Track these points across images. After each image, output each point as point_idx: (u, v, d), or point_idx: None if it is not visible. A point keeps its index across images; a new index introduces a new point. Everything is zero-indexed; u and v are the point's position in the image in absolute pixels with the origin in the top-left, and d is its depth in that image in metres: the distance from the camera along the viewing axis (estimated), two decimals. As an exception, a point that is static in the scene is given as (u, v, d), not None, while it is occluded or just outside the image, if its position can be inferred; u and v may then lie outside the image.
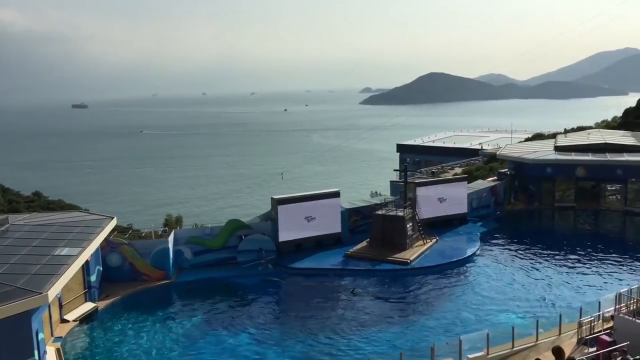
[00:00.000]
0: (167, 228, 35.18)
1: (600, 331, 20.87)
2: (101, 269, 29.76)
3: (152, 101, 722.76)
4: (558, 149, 50.43)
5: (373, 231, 36.38)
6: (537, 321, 21.49)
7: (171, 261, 31.65)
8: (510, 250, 36.40)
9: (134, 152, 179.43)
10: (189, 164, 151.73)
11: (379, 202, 39.22)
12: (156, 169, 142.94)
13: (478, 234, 38.88)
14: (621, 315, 20.21)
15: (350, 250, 35.00)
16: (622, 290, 21.82)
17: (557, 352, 13.82)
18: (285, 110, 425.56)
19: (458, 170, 63.93)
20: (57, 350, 22.50)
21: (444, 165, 69.51)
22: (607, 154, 47.12)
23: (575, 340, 21.12)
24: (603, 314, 21.84)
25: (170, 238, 31.95)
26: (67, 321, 25.45)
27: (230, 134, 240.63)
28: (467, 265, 33.39)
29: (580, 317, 21.55)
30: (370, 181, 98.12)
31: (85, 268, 27.32)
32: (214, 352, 23.28)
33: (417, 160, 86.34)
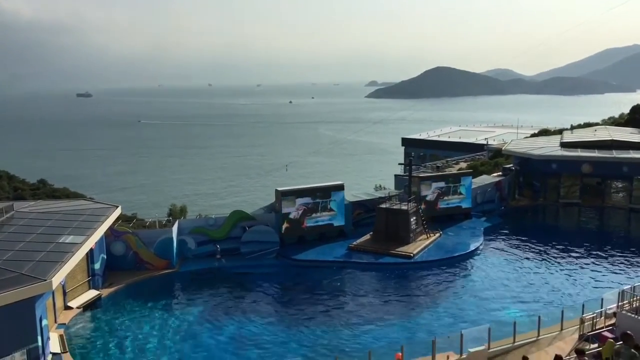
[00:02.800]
0: (171, 218, 35.29)
1: (602, 328, 20.87)
2: (105, 257, 29.91)
3: (157, 91, 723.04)
4: (564, 145, 50.22)
5: (377, 224, 36.39)
6: (539, 317, 21.49)
7: (175, 251, 31.79)
8: (513, 245, 36.35)
9: (138, 142, 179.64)
10: (193, 154, 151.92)
11: (383, 196, 39.20)
12: (161, 158, 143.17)
13: (482, 229, 38.82)
14: (624, 312, 20.17)
15: (354, 243, 35.03)
16: (625, 287, 21.77)
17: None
18: (291, 102, 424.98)
19: (463, 165, 63.76)
20: (61, 336, 22.67)
21: (449, 159, 69.28)
22: (614, 150, 46.92)
23: (576, 336, 21.11)
24: (605, 310, 21.82)
25: (175, 228, 32.06)
26: (71, 308, 25.66)
27: (235, 125, 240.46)
28: (470, 260, 33.38)
29: (583, 314, 21.53)
30: (374, 175, 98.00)
31: (90, 256, 27.48)
32: (215, 341, 23.41)
33: (422, 154, 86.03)
